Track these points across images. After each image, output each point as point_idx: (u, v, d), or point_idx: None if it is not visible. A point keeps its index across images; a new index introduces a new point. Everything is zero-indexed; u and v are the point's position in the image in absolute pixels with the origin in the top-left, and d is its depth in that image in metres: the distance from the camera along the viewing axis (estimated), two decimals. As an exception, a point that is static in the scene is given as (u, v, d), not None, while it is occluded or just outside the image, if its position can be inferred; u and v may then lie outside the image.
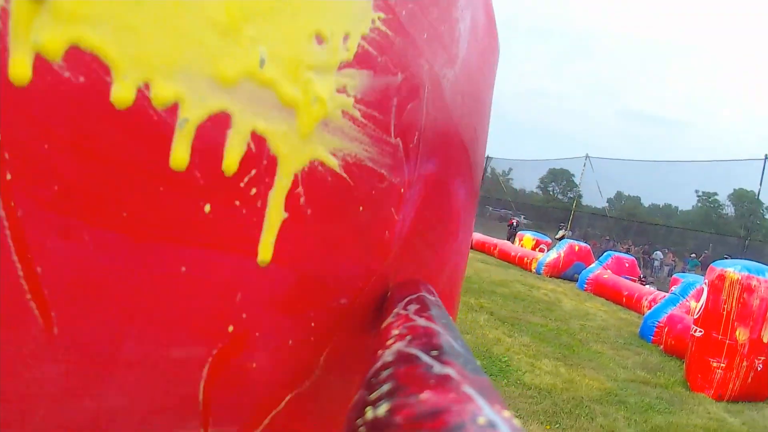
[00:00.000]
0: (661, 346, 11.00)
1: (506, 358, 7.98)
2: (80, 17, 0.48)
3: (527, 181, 59.28)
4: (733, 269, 8.57)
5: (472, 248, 23.03)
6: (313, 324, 0.93)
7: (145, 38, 0.54)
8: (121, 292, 0.59)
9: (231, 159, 0.67)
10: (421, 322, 0.78)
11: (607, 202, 45.44)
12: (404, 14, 1.00)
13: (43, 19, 0.46)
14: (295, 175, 0.78)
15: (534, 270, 20.39)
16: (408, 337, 0.70)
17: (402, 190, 1.13)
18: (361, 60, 0.88)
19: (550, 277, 19.77)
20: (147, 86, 0.55)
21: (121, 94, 0.53)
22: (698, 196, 52.55)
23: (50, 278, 0.52)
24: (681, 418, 7.30)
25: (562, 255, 20.29)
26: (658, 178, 37.70)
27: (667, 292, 14.96)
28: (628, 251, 33.63)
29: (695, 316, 9.07)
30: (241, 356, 0.78)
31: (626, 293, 16.26)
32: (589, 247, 21.32)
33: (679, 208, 53.40)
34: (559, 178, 70.20)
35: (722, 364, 8.33)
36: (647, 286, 18.49)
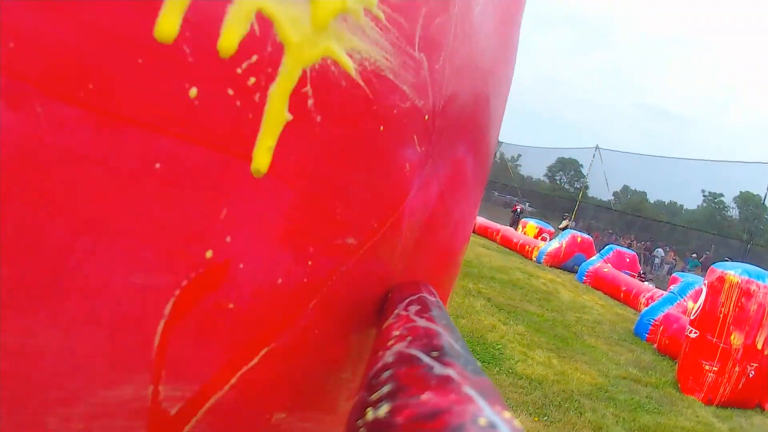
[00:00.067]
0: (655, 345, 11.05)
1: (500, 346, 8.01)
2: None
3: (535, 169, 59.24)
4: (734, 272, 8.58)
5: (474, 232, 23.05)
6: (310, 262, 0.81)
7: None
8: (72, 187, 0.50)
9: (229, 38, 0.59)
10: (421, 323, 0.76)
11: (613, 195, 45.47)
12: None
13: None
14: (304, 72, 0.68)
15: (535, 258, 20.39)
16: (408, 338, 0.69)
17: (426, 117, 0.99)
18: None
19: (550, 266, 19.78)
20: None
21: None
22: (704, 196, 52.52)
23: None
24: (669, 419, 7.34)
25: (564, 245, 20.32)
26: (666, 175, 37.68)
27: (666, 290, 14.98)
28: (630, 246, 33.63)
29: (692, 317, 9.09)
30: (218, 292, 0.67)
31: (624, 288, 16.31)
32: (591, 239, 21.33)
33: (684, 207, 53.35)
34: (567, 167, 70.07)
35: (714, 368, 8.36)
36: (646, 282, 18.51)
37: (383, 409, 0.50)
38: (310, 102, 0.70)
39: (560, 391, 7.09)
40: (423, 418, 0.44)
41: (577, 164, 62.26)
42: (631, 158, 39.87)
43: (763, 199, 30.52)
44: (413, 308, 0.85)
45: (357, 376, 1.04)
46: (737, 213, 51.22)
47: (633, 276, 18.38)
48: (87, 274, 0.53)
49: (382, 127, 0.86)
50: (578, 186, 51.86)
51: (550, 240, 21.95)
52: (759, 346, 8.31)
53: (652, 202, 55.36)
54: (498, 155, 52.20)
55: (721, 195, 51.56)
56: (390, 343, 0.71)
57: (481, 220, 25.05)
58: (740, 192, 46.81)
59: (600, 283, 17.34)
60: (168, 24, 0.52)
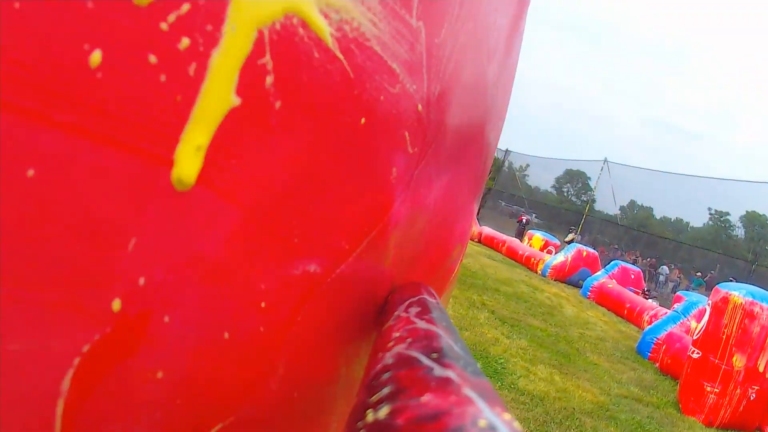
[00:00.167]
0: (657, 364, 11.01)
1: (503, 360, 7.98)
2: None
3: (543, 180, 59.23)
4: (738, 293, 8.55)
5: (480, 242, 23.02)
6: (263, 304, 0.61)
7: None
8: None
9: None
10: (421, 324, 0.72)
11: (620, 209, 45.41)
12: None
13: None
14: (260, 33, 0.48)
15: (540, 271, 20.31)
16: (408, 340, 0.66)
17: (419, 107, 0.78)
18: None
19: (555, 280, 19.69)
20: None
21: None
22: (710, 214, 52.51)
23: None
24: (670, 440, 7.34)
25: (569, 259, 20.24)
26: (673, 191, 37.66)
27: (670, 308, 14.96)
28: (635, 262, 33.60)
29: (694, 337, 9.07)
30: (137, 358, 0.48)
31: (628, 305, 16.25)
32: (596, 253, 21.27)
33: (691, 224, 53.29)
34: (574, 179, 70.07)
35: (716, 389, 8.33)
36: (650, 300, 18.49)
37: (383, 411, 0.49)
38: (269, 80, 0.51)
39: (562, 408, 7.07)
40: (423, 420, 0.44)
41: (584, 176, 62.30)
42: (639, 173, 39.81)
43: (769, 219, 30.51)
44: (413, 310, 0.81)
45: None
46: (743, 232, 51.16)
47: (637, 293, 18.36)
48: None
49: (363, 119, 0.66)
50: (585, 199, 51.87)
51: (556, 253, 21.92)
52: (761, 369, 8.29)
53: (658, 218, 55.36)
54: (506, 164, 52.18)
55: (728, 213, 51.55)
56: (390, 344, 0.67)
57: (487, 230, 25.11)
58: (746, 211, 46.84)
59: (604, 299, 17.26)
60: None
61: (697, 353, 8.71)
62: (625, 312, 16.12)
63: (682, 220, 53.42)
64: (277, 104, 0.53)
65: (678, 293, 18.80)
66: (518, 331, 9.92)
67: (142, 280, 0.46)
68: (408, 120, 0.76)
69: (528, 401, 6.94)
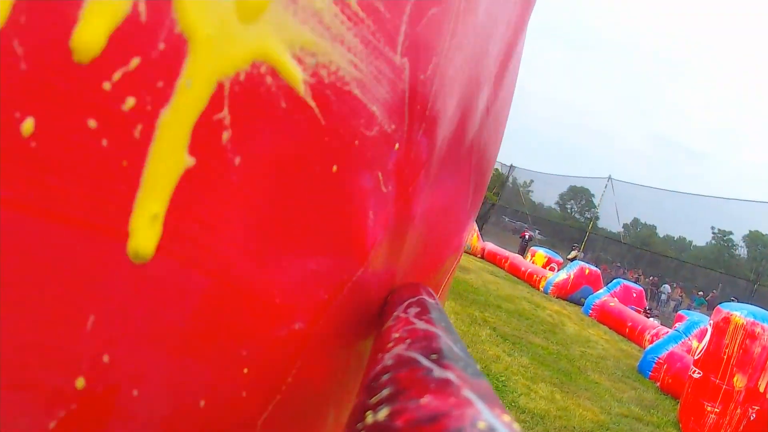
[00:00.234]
0: (658, 383, 11.00)
1: (504, 378, 7.97)
2: None
3: (547, 196, 59.19)
4: (739, 313, 8.55)
5: (483, 258, 23.01)
6: (246, 370, 0.60)
7: None
8: None
9: (93, 26, 0.36)
10: (420, 325, 0.71)
11: (623, 227, 45.40)
12: None
13: None
14: (219, 85, 0.45)
15: (542, 289, 20.27)
16: (408, 341, 0.64)
17: (397, 146, 0.74)
18: None
19: (557, 297, 19.66)
20: None
21: None
22: (713, 233, 52.46)
23: None
24: (670, 460, 7.34)
25: (572, 277, 20.23)
26: (677, 209, 37.68)
27: (671, 328, 14.96)
28: (637, 281, 33.57)
29: (696, 357, 9.07)
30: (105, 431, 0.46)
31: (630, 324, 16.24)
32: (599, 271, 21.26)
33: (694, 243, 53.26)
34: (578, 196, 70.05)
35: (716, 409, 8.32)
36: (652, 318, 18.47)
37: (383, 413, 0.48)
38: (226, 136, 0.47)
39: (562, 427, 7.04)
40: (422, 422, 0.43)
41: (588, 194, 62.32)
42: (644, 190, 39.83)
43: (772, 239, 30.55)
44: (412, 310, 0.79)
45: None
46: (745, 252, 51.10)
47: (639, 311, 18.33)
48: None
49: (335, 167, 0.63)
50: (589, 216, 51.85)
51: (558, 270, 21.92)
52: (761, 389, 8.27)
53: (661, 236, 55.30)
54: (510, 180, 52.17)
55: (731, 233, 51.53)
56: (389, 345, 0.66)
57: (490, 246, 25.09)
58: (749, 231, 46.81)
59: (606, 318, 17.23)
60: None
61: (698, 373, 8.71)
62: (627, 330, 16.11)
63: (685, 238, 53.41)
64: (237, 160, 0.49)
65: (680, 312, 18.81)
66: (519, 349, 9.91)
67: (106, 358, 0.44)
68: (383, 160, 0.73)
69: (528, 419, 6.93)
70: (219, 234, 0.50)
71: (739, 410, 8.25)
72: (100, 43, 0.37)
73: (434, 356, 0.57)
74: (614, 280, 20.21)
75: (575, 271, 20.37)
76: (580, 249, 36.73)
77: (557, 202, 67.58)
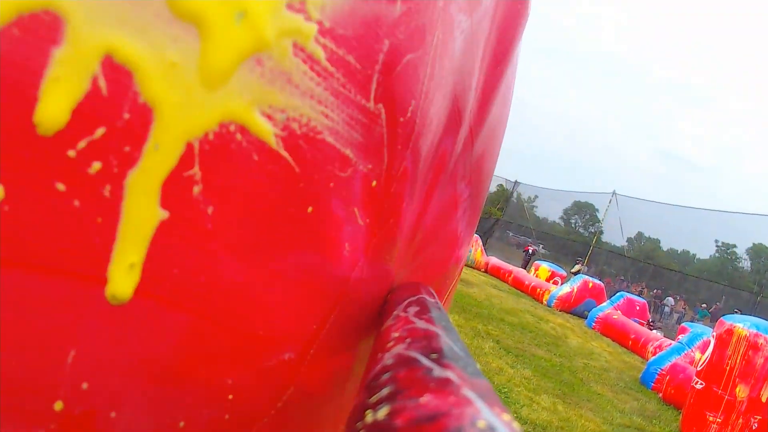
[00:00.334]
0: (661, 394, 10.96)
1: (506, 390, 7.96)
2: None
3: (551, 211, 58.95)
4: (742, 325, 8.56)
5: (486, 272, 22.97)
6: (231, 396, 0.63)
7: None
8: None
9: (53, 104, 0.40)
10: (420, 324, 0.71)
11: (627, 241, 45.29)
12: None
13: None
14: (189, 146, 0.48)
15: (545, 302, 20.17)
16: (408, 340, 0.65)
17: (373, 183, 0.76)
18: None
19: (561, 311, 19.53)
20: None
21: None
22: (717, 246, 52.24)
23: None
24: (672, 469, 7.34)
25: (575, 290, 20.12)
26: (681, 223, 37.56)
27: (674, 339, 14.92)
28: (640, 294, 33.44)
29: (698, 368, 9.08)
30: None
31: (633, 336, 16.17)
32: (602, 285, 21.16)
33: (697, 256, 53.06)
34: (582, 211, 69.80)
35: (718, 419, 8.32)
36: (655, 331, 18.39)
37: (382, 412, 0.48)
38: (197, 189, 0.51)
39: (564, 436, 7.12)
40: (422, 421, 0.43)
41: (592, 208, 62.13)
42: (647, 205, 39.70)
43: (775, 251, 30.54)
44: (412, 309, 0.80)
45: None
46: (749, 265, 50.90)
47: (642, 324, 18.27)
48: None
49: (310, 209, 0.65)
50: (593, 230, 51.74)
51: (562, 284, 21.86)
52: (763, 399, 8.26)
53: (665, 249, 55.11)
54: (515, 195, 52.10)
55: (734, 246, 51.30)
56: (389, 345, 0.67)
57: (494, 260, 25.03)
58: (753, 243, 46.68)
59: (609, 330, 17.13)
60: None
61: (701, 384, 8.71)
62: (630, 343, 16.04)
63: (688, 252, 53.20)
64: (210, 210, 0.52)
65: (683, 324, 18.72)
66: (522, 361, 9.90)
67: (84, 385, 0.48)
68: (360, 197, 0.75)
69: (531, 430, 6.90)
70: (199, 276, 0.54)
71: (741, 420, 8.25)
72: (63, 118, 0.40)
73: (434, 355, 0.57)
74: (617, 293, 20.09)
75: (579, 284, 20.30)
76: (583, 263, 36.64)
77: (561, 217, 67.39)
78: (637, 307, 19.07)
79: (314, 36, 0.56)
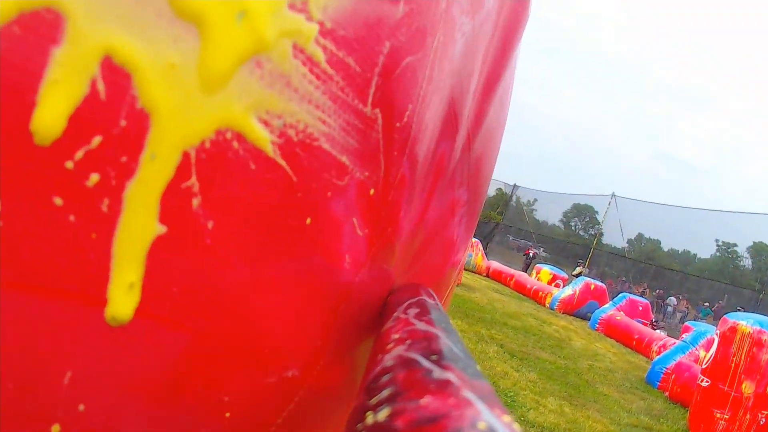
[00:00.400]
0: (667, 393, 10.96)
1: (512, 393, 7.94)
2: None
3: (551, 214, 59.07)
4: (745, 322, 8.55)
5: (488, 277, 22.98)
6: (228, 414, 0.61)
7: None
8: None
9: (52, 109, 0.38)
10: (420, 326, 0.70)
11: (627, 242, 45.35)
12: None
13: None
14: (185, 155, 0.46)
15: (548, 305, 20.18)
16: (408, 342, 0.64)
17: (371, 191, 0.74)
18: None
19: (563, 313, 19.54)
20: None
21: None
22: (718, 246, 52.28)
23: None
24: (681, 467, 7.32)
25: (577, 292, 20.13)
26: (680, 224, 37.65)
27: (678, 338, 14.92)
28: (643, 294, 33.46)
29: (703, 366, 9.07)
30: None
31: (637, 336, 16.17)
32: (604, 286, 21.16)
33: (698, 256, 53.10)
34: (582, 213, 69.87)
35: (726, 416, 8.32)
36: (658, 331, 18.41)
37: (383, 413, 0.48)
38: (196, 202, 0.49)
39: (571, 439, 7.10)
40: (422, 423, 0.43)
41: (592, 211, 62.21)
42: (647, 206, 39.83)
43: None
44: (412, 311, 0.79)
45: None
46: (750, 263, 50.93)
47: (645, 324, 18.26)
48: None
49: (309, 220, 0.63)
50: (593, 232, 51.83)
51: (564, 287, 21.86)
52: (770, 394, 8.33)
53: (665, 250, 55.13)
54: (514, 199, 52.21)
55: (735, 245, 51.31)
56: (389, 346, 0.66)
57: (495, 264, 25.08)
58: (753, 242, 46.76)
59: (612, 331, 17.13)
60: None
61: (707, 381, 8.70)
62: (634, 343, 16.04)
63: (689, 252, 53.24)
64: (210, 224, 0.51)
65: (686, 323, 18.75)
66: (527, 364, 9.89)
67: (81, 407, 0.46)
68: (358, 206, 0.73)
69: (538, 433, 6.96)
70: (198, 294, 0.52)
71: (748, 416, 8.24)
72: (60, 125, 0.38)
73: (434, 357, 0.57)
74: (620, 295, 20.16)
75: (581, 286, 20.31)
76: (584, 265, 36.71)
77: (561, 220, 67.44)
78: (640, 308, 19.10)
79: (315, 37, 0.55)
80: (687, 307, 37.43)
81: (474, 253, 23.67)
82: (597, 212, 53.36)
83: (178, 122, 0.45)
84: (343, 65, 0.59)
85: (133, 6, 0.40)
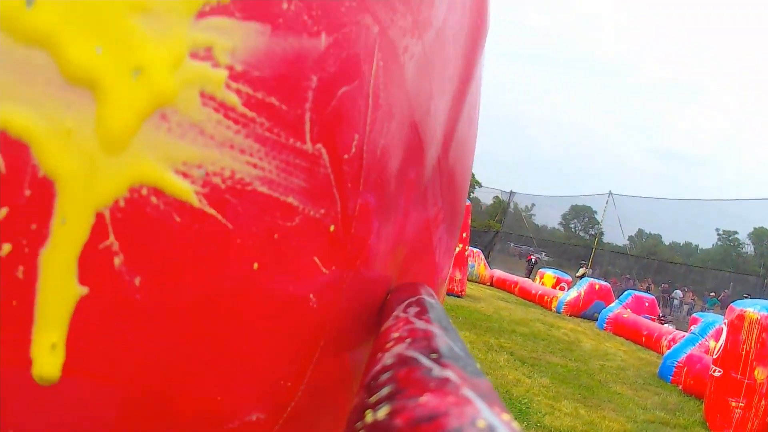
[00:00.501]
0: (680, 386, 10.93)
1: (526, 400, 7.92)
2: None
3: (549, 218, 59.14)
4: (753, 309, 8.54)
5: (492, 285, 22.96)
6: None
7: None
8: None
9: None
10: (420, 324, 0.71)
11: (628, 239, 45.37)
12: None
13: None
14: (99, 215, 0.46)
15: (554, 309, 20.18)
16: (408, 340, 0.64)
17: (331, 228, 0.73)
18: (246, 4, 0.55)
19: (570, 316, 19.55)
20: None
21: None
22: (719, 235, 52.31)
23: None
24: (702, 458, 7.29)
25: (583, 294, 20.15)
26: (680, 216, 37.71)
27: (687, 331, 14.89)
28: (648, 290, 33.43)
29: (714, 356, 9.05)
30: None
31: (645, 333, 16.14)
32: (609, 285, 21.18)
33: (700, 247, 53.07)
34: (581, 214, 69.83)
35: (741, 404, 8.29)
36: (666, 325, 18.38)
37: (382, 412, 0.48)
38: (119, 260, 0.48)
39: (590, 440, 7.08)
40: (422, 421, 0.43)
41: (590, 211, 62.20)
42: (645, 202, 39.90)
43: (777, 233, 30.67)
44: (412, 310, 0.79)
45: None
46: (752, 249, 50.91)
47: (653, 320, 18.21)
48: None
49: (256, 265, 0.62)
50: (593, 233, 51.83)
51: (569, 289, 21.85)
52: (784, 379, 8.30)
53: (667, 243, 55.11)
54: (512, 206, 52.23)
55: (736, 233, 51.39)
56: (389, 345, 0.66)
57: (498, 273, 25.14)
58: (754, 228, 46.77)
59: (621, 329, 17.12)
60: None
61: (719, 371, 8.68)
62: (643, 339, 16.01)
63: (691, 243, 53.17)
64: (137, 280, 0.50)
65: (694, 315, 18.72)
66: (539, 370, 9.87)
67: None
68: (317, 244, 0.72)
69: (555, 438, 6.93)
70: (132, 349, 0.52)
71: (763, 402, 8.21)
72: None
73: (434, 355, 0.57)
74: (625, 292, 20.14)
75: (585, 287, 20.32)
76: (587, 266, 36.68)
77: (560, 223, 67.39)
78: (646, 304, 19.07)
79: (225, 82, 0.53)
80: (693, 299, 37.38)
81: (476, 263, 23.68)
82: (596, 212, 53.39)
83: (84, 185, 0.44)
84: (264, 106, 0.58)
85: (21, 80, 0.40)
